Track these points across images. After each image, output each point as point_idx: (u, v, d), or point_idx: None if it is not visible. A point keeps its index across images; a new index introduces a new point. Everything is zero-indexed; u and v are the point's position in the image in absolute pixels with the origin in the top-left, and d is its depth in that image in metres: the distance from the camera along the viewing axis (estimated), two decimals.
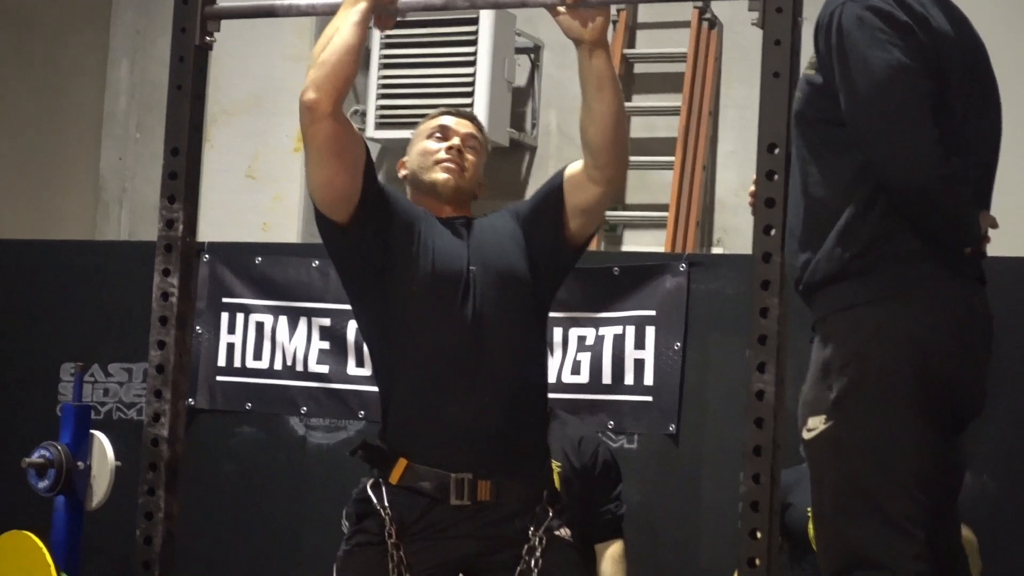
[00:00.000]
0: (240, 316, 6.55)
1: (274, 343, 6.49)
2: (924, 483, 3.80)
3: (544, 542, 3.79)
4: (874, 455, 3.76)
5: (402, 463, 3.90)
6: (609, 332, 5.94)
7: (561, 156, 7.80)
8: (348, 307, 6.27)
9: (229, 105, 8.19)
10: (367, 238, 4.01)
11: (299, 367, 6.45)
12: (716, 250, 7.92)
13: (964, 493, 4.16)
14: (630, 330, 5.96)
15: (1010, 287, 4.84)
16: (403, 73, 8.07)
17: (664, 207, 7.93)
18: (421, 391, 3.98)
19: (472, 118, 4.27)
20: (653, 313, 5.93)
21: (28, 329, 6.80)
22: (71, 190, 9.50)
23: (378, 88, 7.99)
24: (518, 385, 3.90)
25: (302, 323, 6.45)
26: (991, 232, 4.03)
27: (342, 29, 3.93)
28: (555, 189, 3.97)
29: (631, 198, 8.27)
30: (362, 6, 3.90)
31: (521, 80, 8.34)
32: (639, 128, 8.34)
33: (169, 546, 4.02)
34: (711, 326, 5.83)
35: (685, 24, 8.09)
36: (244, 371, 6.52)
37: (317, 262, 6.46)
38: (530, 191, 4.00)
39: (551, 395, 4.42)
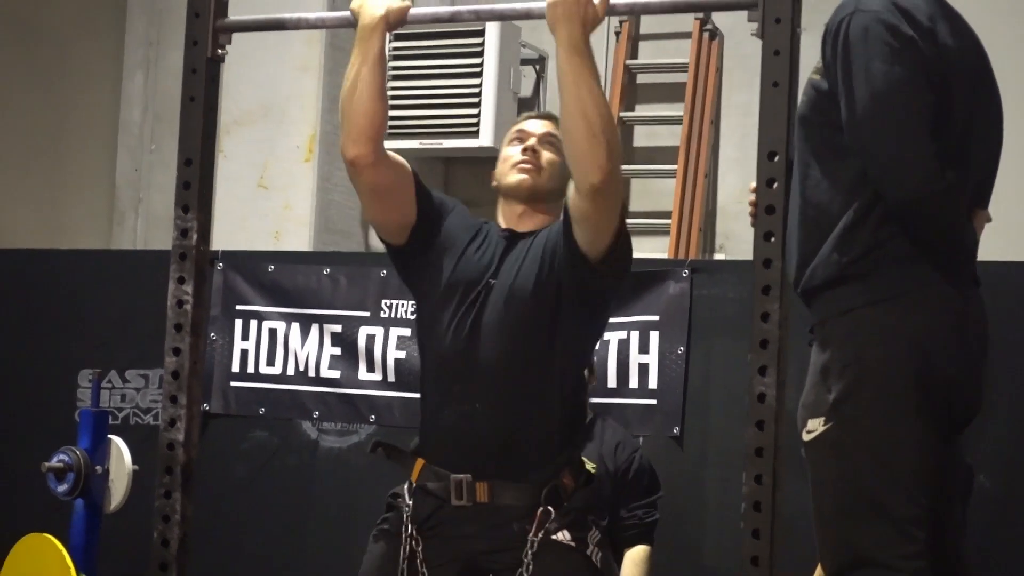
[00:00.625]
0: (253, 323, 6.56)
1: (286, 349, 6.50)
2: (924, 484, 3.80)
3: (537, 546, 3.77)
4: (873, 456, 3.76)
5: (420, 463, 3.93)
6: (614, 337, 5.94)
7: None
8: (358, 313, 6.35)
9: (240, 115, 8.20)
10: (417, 255, 4.07)
11: (311, 372, 6.45)
12: (718, 256, 7.93)
13: None
14: (634, 335, 5.96)
15: (1005, 290, 4.84)
16: (412, 84, 8.08)
17: (667, 214, 7.94)
18: (430, 394, 4.03)
19: (551, 117, 4.17)
20: (657, 318, 5.93)
21: (46, 337, 6.81)
22: (87, 200, 9.51)
23: (388, 98, 7.98)
24: (513, 394, 3.87)
25: (314, 329, 6.46)
26: (986, 234, 4.05)
27: (361, 76, 3.94)
28: (566, 202, 3.92)
29: (635, 205, 8.28)
30: (375, 43, 3.91)
31: (527, 90, 8.35)
32: (642, 137, 8.36)
33: (185, 548, 4.03)
34: (714, 331, 5.84)
35: (687, 35, 8.10)
36: (257, 376, 6.53)
37: (328, 270, 6.46)
38: None
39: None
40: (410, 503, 3.91)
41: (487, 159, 8.02)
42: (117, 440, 4.86)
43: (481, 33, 8.00)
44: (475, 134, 8.00)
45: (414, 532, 3.87)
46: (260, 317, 6.55)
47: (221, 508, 6.20)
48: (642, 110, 8.34)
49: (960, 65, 3.88)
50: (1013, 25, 7.42)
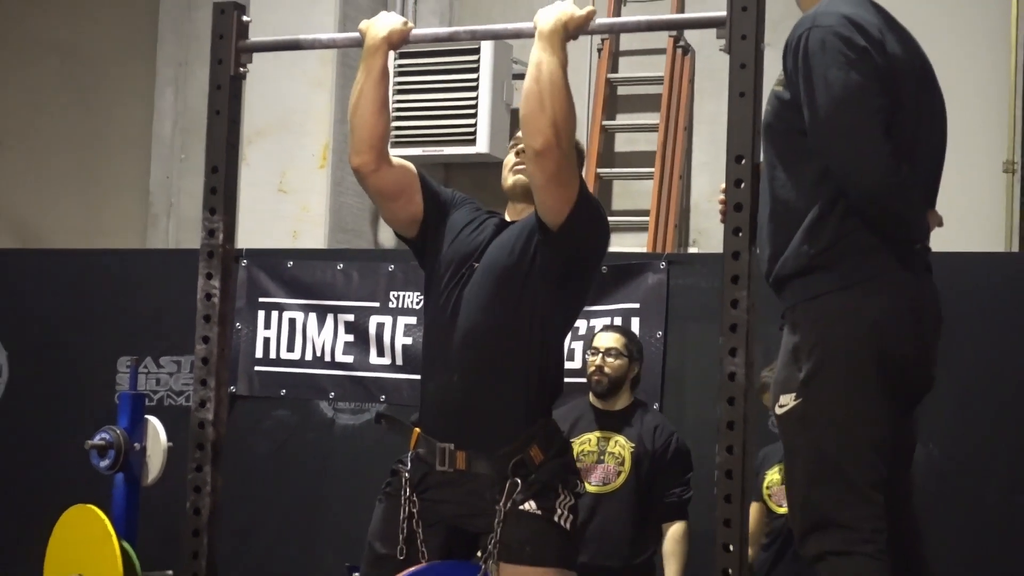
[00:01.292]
0: (274, 313, 6.55)
1: (304, 337, 6.50)
2: (882, 453, 3.80)
3: (505, 515, 3.73)
4: (838, 428, 3.76)
5: (416, 431, 3.92)
6: (598, 323, 5.94)
7: None
8: (369, 304, 6.34)
9: (261, 127, 8.18)
10: (427, 245, 4.07)
11: (327, 358, 6.45)
12: (692, 250, 7.92)
13: (914, 462, 4.16)
14: (617, 320, 5.96)
15: (954, 278, 4.83)
16: (414, 97, 8.07)
17: (645, 212, 7.93)
18: (423, 367, 4.04)
19: None
20: (637, 306, 5.93)
21: (89, 328, 6.80)
22: (124, 204, 9.51)
23: (393, 111, 7.99)
24: (483, 366, 3.83)
25: (329, 319, 6.45)
26: (938, 229, 4.05)
27: (364, 91, 3.96)
28: None
29: (616, 204, 8.27)
30: (378, 61, 3.93)
31: (518, 102, 8.32)
32: (622, 143, 8.34)
33: (215, 516, 4.02)
34: (688, 317, 5.83)
35: (662, 51, 8.09)
36: (279, 362, 6.52)
37: (341, 265, 6.46)
38: None
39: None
40: (409, 468, 3.90)
41: (483, 164, 8.06)
42: (153, 420, 4.85)
43: (477, 51, 7.99)
44: (472, 142, 7.99)
45: (412, 495, 3.86)
46: (281, 308, 6.55)
47: (247, 480, 6.19)
48: (622, 119, 8.33)
49: (907, 72, 3.88)
50: (952, 38, 7.43)
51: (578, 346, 5.98)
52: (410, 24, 4.00)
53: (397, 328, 6.34)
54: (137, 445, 4.81)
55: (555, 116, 3.68)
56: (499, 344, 3.85)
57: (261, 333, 6.55)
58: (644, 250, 7.67)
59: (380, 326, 6.34)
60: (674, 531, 5.30)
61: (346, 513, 6.13)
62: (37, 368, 6.91)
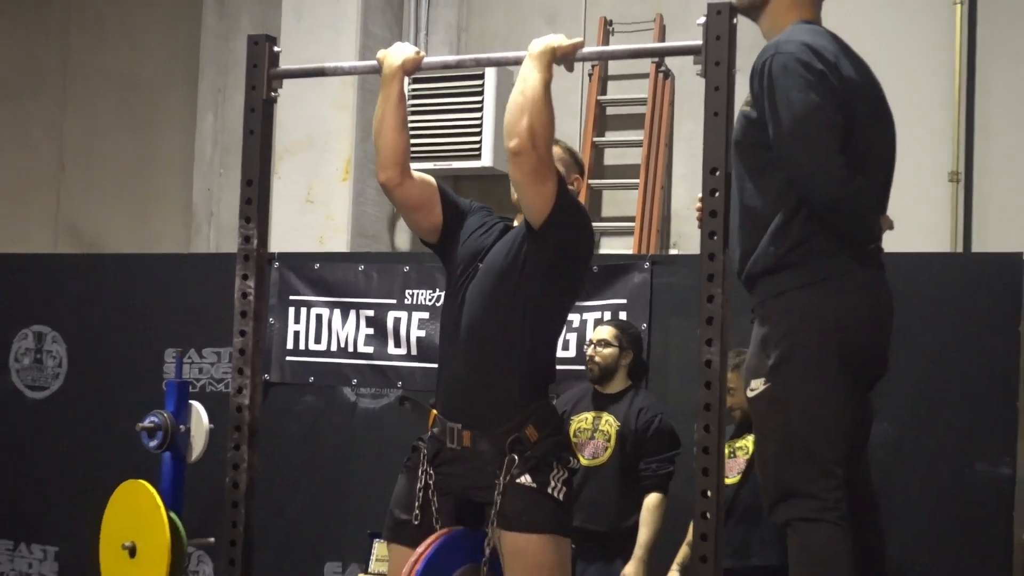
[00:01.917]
0: (303, 310, 6.55)
1: (330, 330, 6.49)
2: (842, 431, 3.80)
3: (504, 488, 3.74)
4: (803, 408, 3.76)
5: (433, 412, 3.93)
6: (591, 317, 5.93)
7: None
8: (387, 301, 6.34)
9: (291, 144, 8.18)
10: (447, 249, 4.07)
11: (350, 348, 6.45)
12: (673, 251, 7.91)
13: (870, 439, 4.16)
14: (607, 315, 5.95)
15: (906, 276, 4.83)
16: (427, 118, 8.07)
17: (631, 218, 7.93)
18: (438, 356, 4.06)
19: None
20: (624, 301, 5.92)
21: (139, 324, 6.80)
22: (170, 214, 9.51)
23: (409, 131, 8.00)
24: (484, 357, 3.84)
25: (351, 314, 6.45)
26: (892, 232, 4.05)
27: (386, 115, 3.97)
28: None
29: (605, 212, 8.25)
30: (395, 87, 3.94)
31: None
32: (611, 157, 8.33)
33: (251, 489, 4.02)
34: (670, 311, 5.83)
35: (645, 75, 8.08)
36: (307, 352, 6.52)
37: (362, 267, 6.46)
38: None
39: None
40: (427, 446, 3.91)
41: (488, 176, 8.06)
42: (196, 404, 4.84)
43: (481, 76, 7.98)
44: (477, 156, 7.98)
45: (428, 468, 3.87)
46: (309, 305, 6.55)
47: (279, 458, 6.19)
48: (610, 136, 8.32)
49: (860, 93, 3.89)
50: (901, 60, 7.42)
51: (572, 337, 5.97)
52: (422, 53, 4.01)
53: (412, 322, 6.34)
54: (182, 427, 4.80)
55: (532, 123, 3.68)
56: (495, 336, 3.85)
57: (291, 327, 6.55)
58: (630, 252, 7.67)
59: (397, 320, 6.33)
60: (649, 501, 5.29)
61: (368, 487, 6.12)
62: (93, 359, 6.92)
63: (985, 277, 5.38)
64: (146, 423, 4.80)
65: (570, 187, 3.97)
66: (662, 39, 8.04)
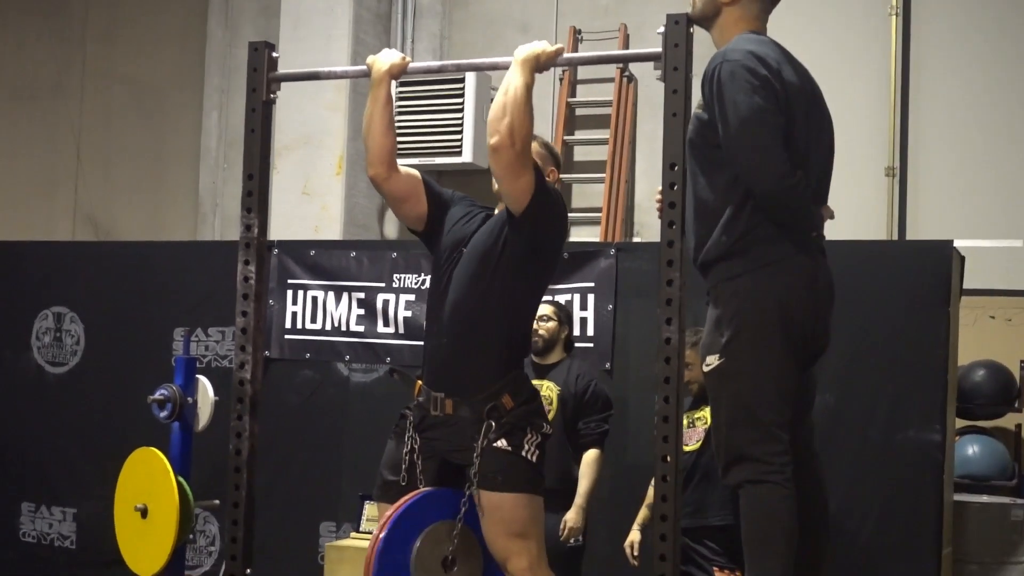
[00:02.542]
0: (300, 292, 6.53)
1: (324, 311, 6.47)
2: (786, 400, 3.81)
3: (481, 451, 3.75)
4: (752, 381, 3.78)
5: (419, 383, 3.94)
6: (562, 299, 5.93)
7: None
8: (376, 284, 6.33)
9: (288, 142, 8.16)
10: (433, 236, 4.06)
11: (343, 327, 6.43)
12: (636, 239, 7.92)
13: (814, 408, 4.18)
14: (576, 297, 5.95)
15: (846, 261, 4.84)
16: (412, 117, 8.07)
17: (598, 209, 7.94)
18: (424, 332, 4.06)
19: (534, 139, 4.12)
20: (592, 285, 5.92)
21: (151, 305, 6.78)
22: (179, 205, 9.49)
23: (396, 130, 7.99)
24: (466, 332, 3.84)
25: (344, 297, 6.43)
26: (834, 222, 4.06)
27: (374, 115, 3.96)
28: None
29: (575, 203, 8.26)
30: (383, 89, 3.95)
31: None
32: (579, 154, 8.34)
33: (252, 456, 4.02)
34: (633, 293, 5.83)
35: (611, 79, 8.09)
36: (304, 331, 6.50)
37: (354, 253, 6.44)
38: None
39: None
40: (413, 413, 3.93)
41: (468, 171, 8.06)
42: (203, 379, 4.84)
43: (462, 80, 7.98)
44: (459, 153, 7.99)
45: (414, 434, 3.89)
46: (305, 288, 6.52)
47: (279, 428, 6.18)
48: (579, 134, 8.33)
49: (800, 96, 3.90)
50: (840, 65, 7.44)
51: None
52: (408, 59, 4.01)
53: (399, 303, 6.32)
54: (190, 399, 4.79)
55: (512, 121, 3.68)
56: (476, 312, 3.85)
57: (289, 308, 6.53)
58: (597, 240, 7.68)
59: (386, 302, 6.32)
60: (588, 456, 5.30)
61: (360, 453, 6.12)
62: (108, 337, 6.89)
63: (918, 263, 5.40)
64: (157, 396, 4.79)
65: (547, 179, 3.97)
66: (626, 47, 8.05)
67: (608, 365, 5.84)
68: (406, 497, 3.81)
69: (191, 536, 6.12)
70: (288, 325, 6.52)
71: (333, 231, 8.05)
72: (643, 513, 5.13)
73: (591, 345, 5.89)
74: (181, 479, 4.55)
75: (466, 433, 3.80)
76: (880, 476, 5.29)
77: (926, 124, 7.42)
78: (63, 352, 7.00)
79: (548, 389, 5.34)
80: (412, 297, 6.29)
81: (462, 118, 7.97)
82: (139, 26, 9.74)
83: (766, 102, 3.76)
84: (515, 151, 3.71)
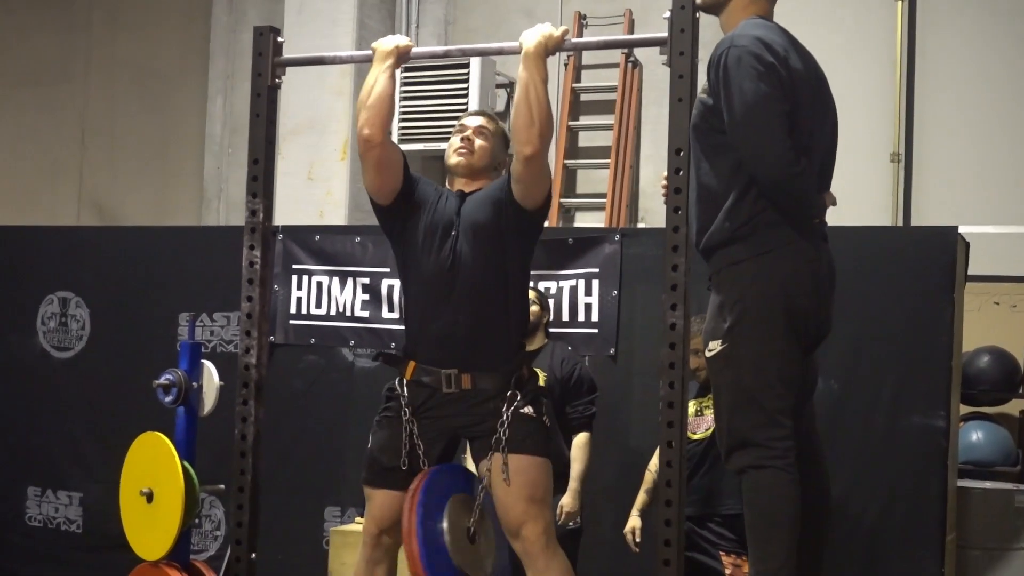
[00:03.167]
0: (305, 278, 6.53)
1: (329, 296, 6.47)
2: (789, 386, 3.81)
3: (511, 416, 3.82)
4: (753, 365, 3.78)
5: (412, 364, 3.95)
6: (567, 284, 5.93)
7: None
8: (381, 269, 6.31)
9: (293, 128, 8.16)
10: (398, 212, 4.05)
11: (347, 313, 6.42)
12: (640, 225, 7.92)
13: (816, 394, 4.18)
14: (581, 283, 5.94)
15: (851, 246, 4.84)
16: (417, 103, 8.07)
17: (603, 195, 7.94)
18: (418, 312, 4.01)
19: (485, 113, 4.26)
20: (597, 270, 5.91)
21: (156, 290, 6.78)
22: (183, 190, 9.49)
23: (399, 113, 7.99)
24: (481, 306, 3.87)
25: (349, 282, 6.43)
26: (838, 208, 4.06)
27: (379, 80, 3.95)
28: (509, 167, 3.97)
29: (579, 189, 8.26)
30: (389, 62, 3.96)
31: (500, 106, 8.32)
32: (584, 139, 8.33)
33: (257, 440, 4.03)
34: (638, 279, 5.82)
35: (616, 65, 8.09)
36: (309, 316, 6.50)
37: (359, 238, 6.43)
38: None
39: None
40: (406, 395, 3.93)
41: None
42: (208, 364, 4.81)
43: (467, 66, 7.98)
44: None
45: (411, 417, 3.91)
46: (310, 273, 6.52)
47: (284, 412, 6.19)
48: (584, 120, 8.32)
49: (805, 83, 3.89)
50: (846, 51, 7.43)
51: (550, 302, 5.96)
52: (412, 43, 4.01)
53: None
54: (195, 384, 4.77)
55: (541, 128, 3.75)
56: (493, 288, 3.90)
57: (294, 293, 6.52)
58: (602, 225, 7.68)
59: (390, 287, 6.31)
60: (578, 439, 5.30)
61: (364, 438, 6.05)
62: (114, 322, 6.90)
63: (923, 249, 5.39)
64: (162, 380, 4.77)
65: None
66: (631, 32, 8.03)
67: (612, 351, 5.84)
68: (420, 477, 3.85)
69: (196, 520, 6.14)
70: (293, 310, 6.52)
71: (338, 216, 8.05)
72: (641, 498, 5.14)
73: (595, 331, 5.89)
74: (186, 464, 4.54)
75: (487, 406, 3.85)
76: (884, 462, 5.29)
77: (931, 110, 7.41)
78: (69, 337, 7.01)
79: None
80: None
81: (466, 103, 7.96)
82: (144, 12, 9.74)
83: (772, 89, 3.75)
84: (545, 156, 3.82)
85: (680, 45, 3.43)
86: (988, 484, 5.92)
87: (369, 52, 3.99)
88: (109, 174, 9.68)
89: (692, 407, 4.97)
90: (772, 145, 3.74)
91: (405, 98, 7.98)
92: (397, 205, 4.05)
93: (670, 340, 3.39)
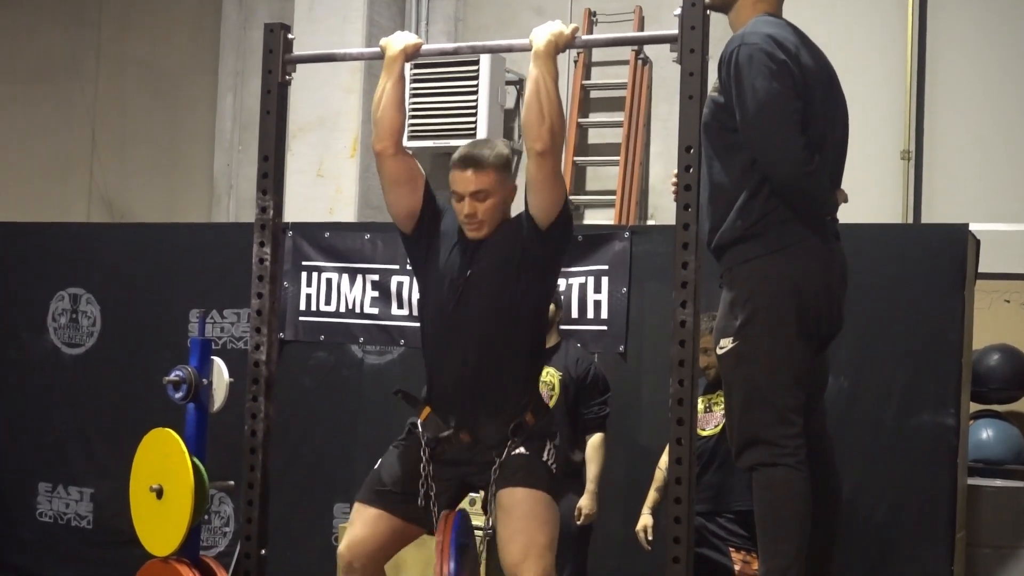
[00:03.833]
0: (315, 275, 6.53)
1: (339, 293, 6.48)
2: (800, 383, 3.81)
3: (504, 458, 3.72)
4: (765, 364, 3.77)
5: (427, 410, 3.87)
6: (576, 282, 5.93)
7: None
8: (390, 266, 6.31)
9: (303, 125, 8.16)
10: (419, 243, 3.97)
11: (357, 309, 6.43)
12: (650, 222, 7.91)
13: (826, 392, 4.17)
14: (590, 280, 5.94)
15: (862, 244, 4.83)
16: (427, 100, 8.06)
17: (612, 192, 7.93)
18: (429, 361, 3.93)
19: (474, 164, 3.86)
20: (606, 267, 5.91)
21: (166, 286, 6.79)
22: (193, 187, 9.49)
23: (409, 110, 7.98)
24: (488, 356, 3.78)
25: (359, 279, 6.43)
26: (849, 205, 4.05)
27: (386, 91, 3.90)
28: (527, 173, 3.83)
29: (589, 186, 8.25)
30: (396, 67, 3.90)
31: (510, 103, 8.31)
32: (594, 136, 8.32)
33: (267, 437, 4.02)
34: (647, 277, 5.82)
35: (626, 62, 8.07)
36: (318, 313, 6.51)
37: (368, 235, 6.44)
38: (518, 183, 3.90)
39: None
40: (424, 436, 3.85)
41: None
42: (218, 360, 4.81)
43: (476, 63, 7.97)
44: (473, 135, 7.98)
45: (427, 457, 3.82)
46: (320, 270, 6.53)
47: (293, 409, 6.19)
48: (594, 117, 8.31)
49: (817, 80, 3.88)
50: (857, 49, 7.41)
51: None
52: (422, 41, 3.99)
53: (413, 286, 6.31)
54: (205, 380, 4.77)
55: (552, 124, 3.66)
56: (505, 337, 3.80)
57: (304, 290, 6.53)
58: (611, 222, 7.67)
59: (400, 284, 6.32)
60: (593, 440, 5.30)
61: (373, 434, 6.13)
62: (124, 319, 6.91)
63: (933, 246, 5.38)
64: (172, 377, 4.77)
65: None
66: (641, 29, 8.02)
67: (622, 348, 5.84)
68: (448, 517, 3.76)
69: (206, 517, 6.14)
70: (303, 307, 6.52)
71: (347, 214, 8.05)
72: (652, 496, 5.13)
73: (605, 328, 5.89)
74: (196, 460, 4.54)
75: (489, 453, 3.76)
76: (894, 460, 5.28)
77: (942, 107, 7.39)
78: (79, 333, 7.02)
79: (550, 375, 5.33)
80: None
81: (476, 100, 7.96)
82: (154, 8, 9.75)
83: (784, 87, 3.74)
84: (558, 154, 3.72)
85: (690, 42, 3.42)
86: (998, 482, 5.91)
87: (379, 49, 3.98)
88: (119, 171, 9.70)
89: (701, 404, 4.96)
90: (785, 143, 3.73)
91: (415, 95, 7.98)
92: (418, 236, 3.95)
93: (680, 337, 3.38)
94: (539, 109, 3.67)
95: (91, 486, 6.85)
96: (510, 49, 4.05)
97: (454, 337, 3.83)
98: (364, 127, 8.05)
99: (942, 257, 5.31)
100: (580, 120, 8.17)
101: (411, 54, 3.93)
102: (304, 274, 6.53)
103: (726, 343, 3.84)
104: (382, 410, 6.07)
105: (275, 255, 4.03)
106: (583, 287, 5.91)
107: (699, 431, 5.40)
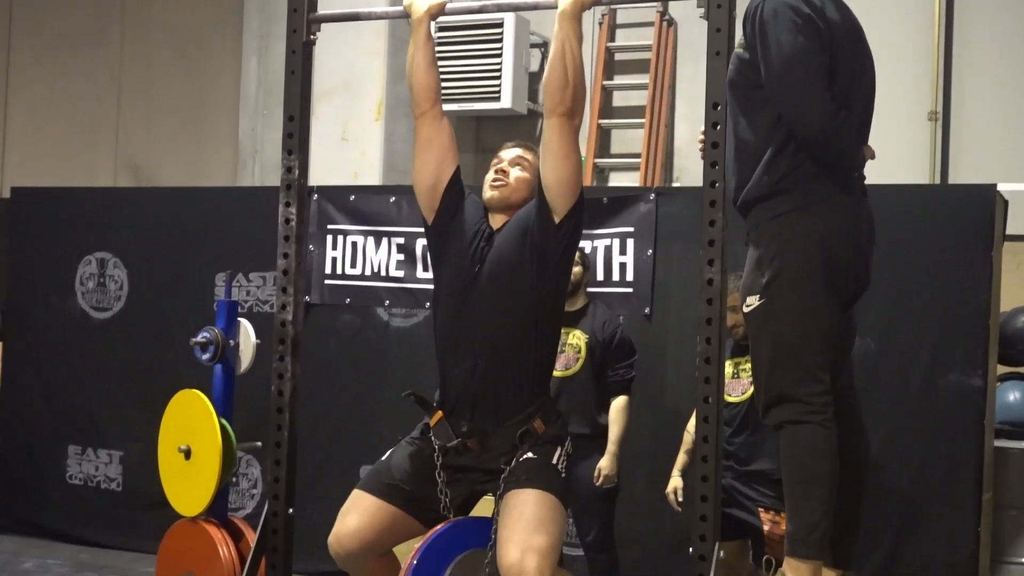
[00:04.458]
0: (340, 238, 6.53)
1: (365, 256, 6.47)
2: (828, 341, 3.79)
3: (513, 464, 3.69)
4: (793, 321, 3.75)
5: (439, 414, 3.82)
6: (601, 244, 5.91)
7: None
8: (416, 229, 6.30)
9: (328, 88, 8.15)
10: (438, 235, 3.94)
11: (382, 272, 6.43)
12: (675, 184, 7.88)
13: (854, 352, 4.14)
14: (616, 242, 5.92)
15: (889, 204, 4.79)
16: (451, 63, 8.04)
17: (637, 155, 7.91)
18: (441, 361, 3.88)
19: (524, 144, 3.99)
20: (632, 229, 5.89)
21: (194, 250, 6.80)
22: (219, 151, 9.50)
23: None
24: (504, 362, 3.74)
25: (384, 241, 6.43)
26: (877, 166, 4.01)
27: (416, 53, 3.92)
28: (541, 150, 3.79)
29: (614, 149, 8.23)
30: (422, 29, 3.91)
31: (535, 67, 8.29)
32: (619, 99, 8.30)
33: (294, 397, 4.03)
34: (672, 238, 5.80)
35: (651, 23, 8.04)
36: (344, 276, 6.51)
37: (393, 198, 6.43)
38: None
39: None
40: (437, 441, 3.81)
41: (506, 117, 8.04)
42: (244, 322, 4.84)
43: (500, 24, 7.95)
44: (497, 99, 7.97)
45: (440, 459, 3.79)
46: (345, 234, 6.53)
47: (320, 372, 6.20)
48: (619, 79, 8.28)
49: (843, 34, 3.84)
50: (884, 5, 7.36)
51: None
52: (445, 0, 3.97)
53: None
54: (232, 342, 4.79)
55: (575, 89, 3.68)
56: (513, 339, 3.75)
57: (330, 254, 6.53)
58: (637, 184, 7.65)
59: (425, 247, 6.31)
60: (617, 403, 5.29)
61: (399, 396, 6.11)
62: (151, 282, 6.93)
63: (961, 207, 5.34)
64: (199, 338, 4.80)
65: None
66: None
67: (648, 310, 5.82)
68: (436, 528, 3.73)
69: (234, 479, 6.17)
70: (328, 270, 6.53)
71: (372, 177, 8.05)
72: (681, 459, 5.11)
73: (630, 290, 5.87)
74: (223, 421, 4.56)
75: (497, 461, 3.73)
76: (921, 421, 5.27)
77: (969, 68, 7.33)
78: (107, 297, 7.04)
79: (576, 338, 5.32)
80: None
81: (500, 63, 7.94)
82: None
83: (810, 41, 3.71)
84: (578, 120, 3.70)
85: None
86: None
87: (402, 8, 3.96)
88: (145, 135, 9.71)
89: (728, 368, 4.95)
90: (812, 98, 3.70)
91: (439, 58, 7.92)
92: (440, 225, 3.91)
93: (707, 296, 3.37)
94: (563, 73, 3.66)
95: (120, 448, 6.89)
96: (536, 6, 4.03)
97: (462, 331, 3.80)
98: (388, 90, 8.03)
99: (970, 218, 5.28)
100: (605, 83, 8.14)
101: (435, 13, 3.92)
102: (329, 237, 6.53)
103: (753, 300, 3.81)
104: (408, 372, 6.08)
105: (301, 215, 4.03)
106: (608, 249, 5.89)
107: (726, 397, 5.39)
